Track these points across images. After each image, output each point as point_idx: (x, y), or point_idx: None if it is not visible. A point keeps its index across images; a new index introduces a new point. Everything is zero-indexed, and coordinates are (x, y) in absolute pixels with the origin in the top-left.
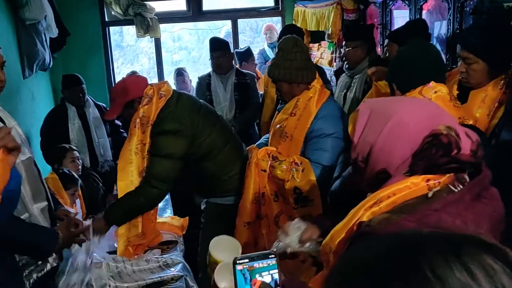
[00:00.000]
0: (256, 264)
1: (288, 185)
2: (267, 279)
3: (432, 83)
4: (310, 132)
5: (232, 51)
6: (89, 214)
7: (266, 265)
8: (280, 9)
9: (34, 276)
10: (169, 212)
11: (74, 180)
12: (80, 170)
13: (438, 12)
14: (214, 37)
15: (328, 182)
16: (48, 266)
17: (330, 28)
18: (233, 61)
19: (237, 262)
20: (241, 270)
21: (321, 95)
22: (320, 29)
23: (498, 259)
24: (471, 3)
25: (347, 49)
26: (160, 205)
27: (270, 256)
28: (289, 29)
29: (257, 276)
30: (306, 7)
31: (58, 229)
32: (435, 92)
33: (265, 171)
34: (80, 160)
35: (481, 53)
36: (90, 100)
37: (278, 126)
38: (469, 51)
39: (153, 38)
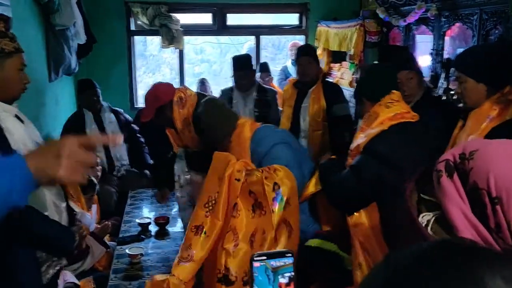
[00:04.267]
0: (273, 263)
1: (268, 181)
2: (286, 279)
3: (395, 91)
4: (253, 155)
5: (254, 67)
6: (102, 219)
7: (282, 263)
8: (303, 27)
9: (51, 271)
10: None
11: (93, 185)
12: (99, 176)
13: (462, 39)
14: (237, 55)
15: None
16: (63, 263)
17: (352, 49)
18: (255, 77)
19: (255, 259)
20: (265, 271)
21: (251, 127)
22: (342, 50)
23: None
24: (497, 32)
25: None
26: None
27: (286, 255)
28: (303, 49)
29: (279, 278)
30: (329, 27)
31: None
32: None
33: (239, 180)
34: (99, 166)
35: (470, 72)
36: (106, 105)
37: None
38: (460, 70)
39: (177, 50)
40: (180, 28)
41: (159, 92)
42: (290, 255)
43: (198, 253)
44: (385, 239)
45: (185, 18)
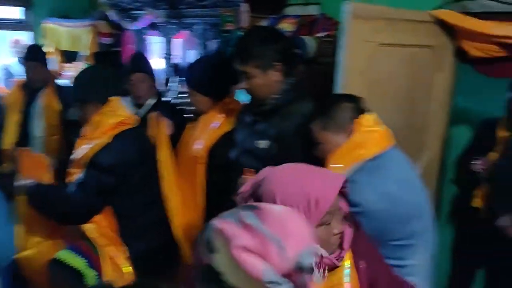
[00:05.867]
0: None
1: None
2: None
3: (113, 98)
4: None
5: None
6: None
7: None
8: (28, 23)
9: None
10: None
11: None
12: None
13: (190, 45)
14: None
15: None
16: None
17: (86, 50)
18: None
19: None
20: None
21: None
22: (75, 50)
23: None
24: (213, 42)
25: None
26: None
27: None
28: (29, 53)
29: None
30: (59, 25)
31: None
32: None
33: None
34: None
35: (194, 86)
36: None
37: None
38: (187, 85)
39: None
40: None
41: None
42: None
43: None
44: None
45: None
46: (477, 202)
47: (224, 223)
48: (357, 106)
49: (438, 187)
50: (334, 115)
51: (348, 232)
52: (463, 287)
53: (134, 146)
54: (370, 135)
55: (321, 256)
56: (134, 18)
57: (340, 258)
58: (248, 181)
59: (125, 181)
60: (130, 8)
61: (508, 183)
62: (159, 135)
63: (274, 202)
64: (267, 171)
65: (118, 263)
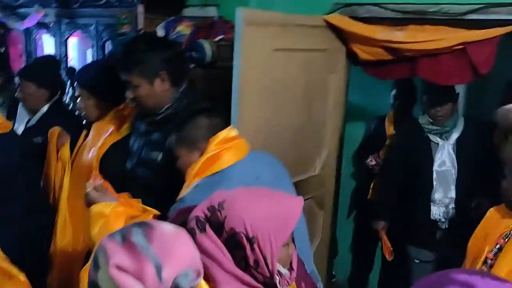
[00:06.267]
0: None
1: None
2: None
3: None
4: None
5: None
6: None
7: None
8: None
9: None
10: None
11: None
12: None
13: (85, 47)
14: None
15: None
16: None
17: None
18: None
19: None
20: None
21: None
22: None
23: None
24: (110, 44)
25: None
26: None
27: None
28: None
29: None
30: None
31: None
32: None
33: None
34: None
35: (90, 89)
36: None
37: None
38: (81, 87)
39: None
40: None
41: None
42: None
43: None
44: None
45: None
46: (371, 194)
47: (109, 239)
48: (215, 122)
49: (337, 181)
50: (188, 132)
51: (295, 253)
52: (363, 273)
53: (10, 151)
54: (222, 152)
55: (283, 275)
56: (21, 16)
57: (292, 279)
58: (198, 206)
59: (2, 187)
60: (17, 5)
61: (387, 184)
62: (60, 157)
63: (244, 226)
64: (223, 195)
65: (3, 266)
